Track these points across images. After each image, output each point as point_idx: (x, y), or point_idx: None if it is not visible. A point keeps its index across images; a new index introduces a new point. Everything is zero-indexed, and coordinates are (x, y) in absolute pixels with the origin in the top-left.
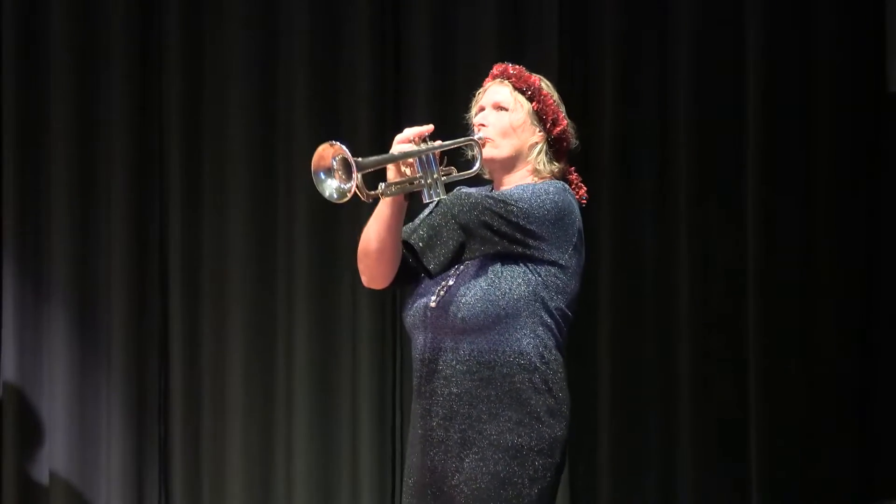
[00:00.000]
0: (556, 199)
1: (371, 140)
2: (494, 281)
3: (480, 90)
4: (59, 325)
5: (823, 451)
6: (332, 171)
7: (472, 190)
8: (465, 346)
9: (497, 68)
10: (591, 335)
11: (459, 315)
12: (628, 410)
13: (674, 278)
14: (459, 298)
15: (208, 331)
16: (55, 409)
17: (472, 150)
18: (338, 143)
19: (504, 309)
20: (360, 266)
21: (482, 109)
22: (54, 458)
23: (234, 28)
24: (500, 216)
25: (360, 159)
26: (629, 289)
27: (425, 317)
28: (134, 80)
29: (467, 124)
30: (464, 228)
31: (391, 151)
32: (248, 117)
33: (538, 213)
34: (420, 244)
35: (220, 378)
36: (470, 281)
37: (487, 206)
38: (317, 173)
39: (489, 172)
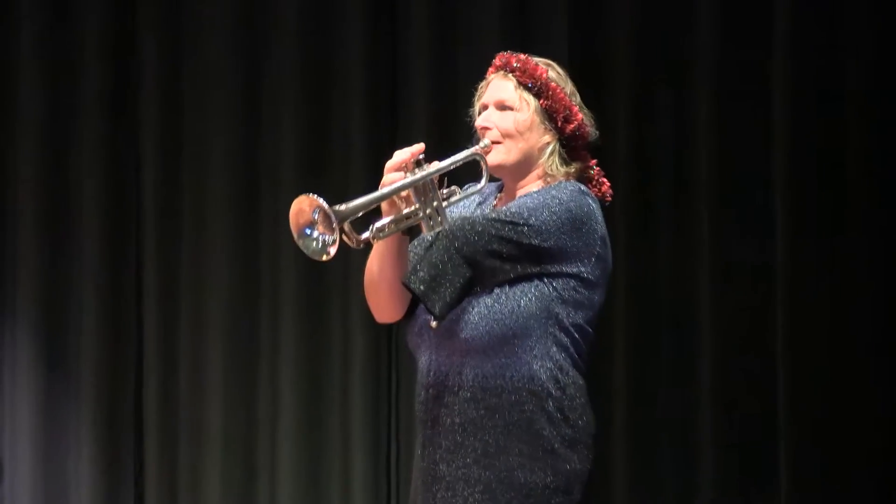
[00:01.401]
0: (571, 205)
1: (365, 154)
2: (501, 296)
3: (483, 83)
4: (25, 349)
5: (856, 475)
6: (315, 224)
7: (475, 192)
8: (468, 370)
9: (500, 59)
10: (605, 354)
11: (462, 335)
12: (645, 435)
13: (694, 290)
14: (462, 316)
15: (186, 356)
16: (19, 442)
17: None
18: (313, 194)
19: (512, 328)
20: (369, 302)
21: (485, 108)
22: (16, 497)
23: (214, 36)
24: (510, 240)
25: (340, 207)
26: (645, 305)
27: (426, 337)
28: (107, 95)
29: (470, 121)
30: (470, 262)
31: (380, 187)
32: (231, 132)
33: (553, 226)
34: (422, 287)
35: (199, 407)
36: (474, 296)
37: (494, 231)
38: (301, 230)
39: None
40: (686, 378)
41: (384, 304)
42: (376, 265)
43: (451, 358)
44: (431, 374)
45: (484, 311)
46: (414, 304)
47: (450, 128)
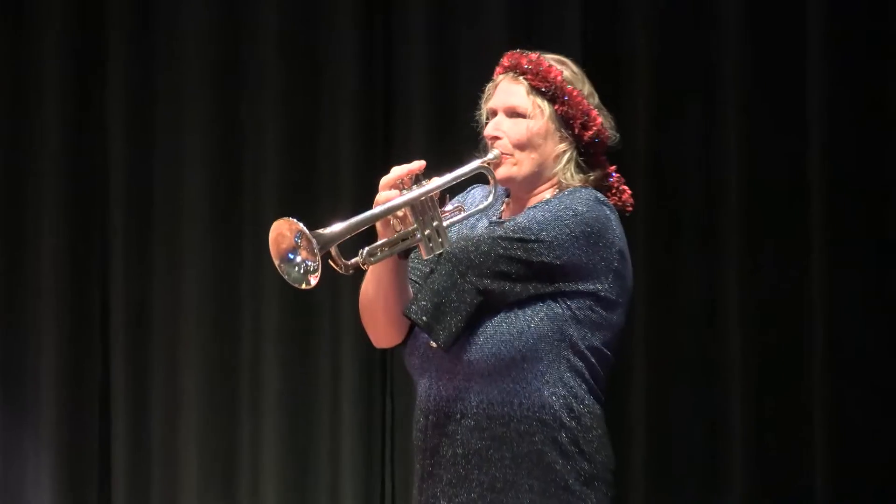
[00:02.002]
0: (587, 216)
1: (356, 164)
2: (510, 315)
3: (490, 85)
4: None
5: None
6: (297, 248)
7: (479, 211)
8: (472, 395)
9: (509, 58)
10: (622, 381)
11: (465, 357)
12: (668, 483)
13: (722, 312)
14: (466, 336)
15: (157, 391)
16: None
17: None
18: (293, 218)
19: (521, 350)
20: (366, 327)
21: (493, 113)
22: None
23: (191, 41)
24: (519, 260)
25: (323, 231)
26: (667, 328)
27: (426, 358)
28: (70, 101)
29: (476, 126)
30: (476, 287)
31: (374, 205)
32: (208, 141)
33: (566, 240)
34: (424, 318)
35: (172, 447)
36: (480, 315)
37: (502, 251)
38: (283, 255)
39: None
40: (713, 410)
41: (382, 330)
42: (372, 289)
43: (454, 382)
44: (432, 399)
45: (490, 331)
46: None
47: (450, 130)
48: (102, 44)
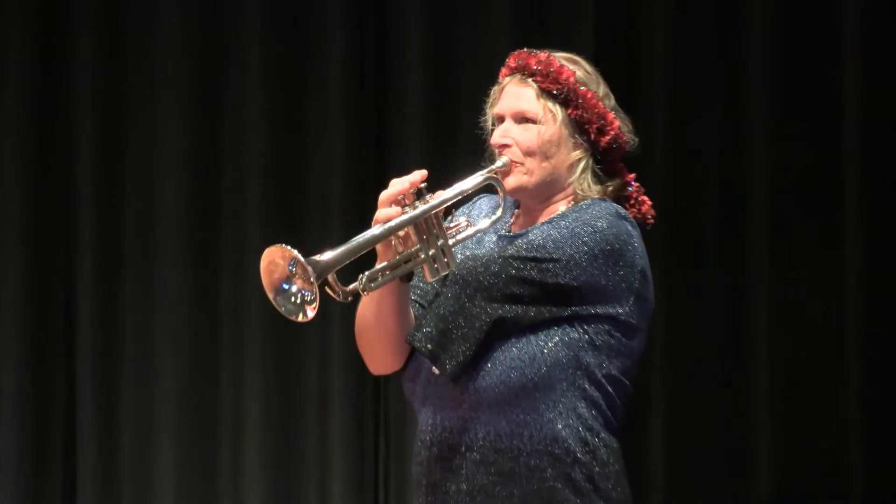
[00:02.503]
0: (606, 233)
1: (347, 177)
2: (521, 340)
3: (497, 87)
4: None
5: None
6: (292, 277)
7: (487, 227)
8: (478, 427)
9: (515, 59)
10: (639, 423)
11: (471, 385)
12: None
13: (746, 333)
14: (473, 362)
15: (128, 423)
16: None
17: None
18: (285, 245)
19: (532, 378)
20: (362, 352)
21: (501, 120)
22: None
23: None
24: (533, 281)
25: (319, 258)
26: (687, 353)
27: (428, 385)
28: (33, 117)
29: (481, 133)
30: (486, 311)
31: (373, 224)
32: (183, 148)
33: (584, 260)
34: (429, 346)
35: (145, 485)
36: (488, 339)
37: (514, 272)
38: (277, 286)
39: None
40: (738, 441)
41: (380, 356)
42: (371, 314)
43: (459, 411)
44: (434, 430)
45: (499, 356)
46: None
47: (449, 138)
48: (68, 42)
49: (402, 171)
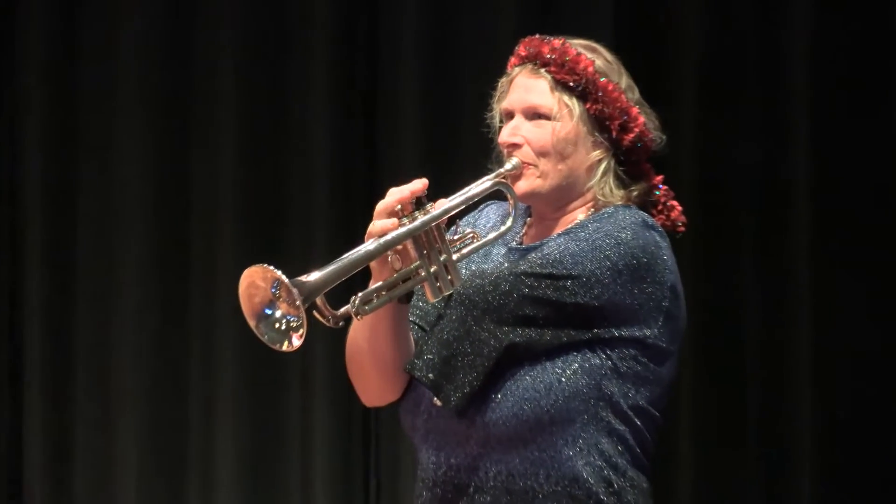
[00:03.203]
0: (632, 246)
1: (335, 185)
2: (536, 367)
3: (504, 79)
4: None
5: None
6: (275, 301)
7: (493, 239)
8: (488, 465)
9: (526, 46)
10: (667, 463)
11: (480, 418)
12: None
13: (788, 353)
14: (481, 392)
15: (83, 455)
16: None
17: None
18: (267, 265)
19: (549, 411)
20: (354, 382)
21: (510, 116)
22: None
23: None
24: (548, 301)
25: (306, 279)
26: (721, 378)
27: (430, 419)
28: None
29: (488, 132)
30: (495, 336)
31: (366, 238)
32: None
33: (607, 276)
34: (431, 375)
35: None
36: (498, 365)
37: (527, 290)
38: (259, 312)
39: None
40: (778, 486)
41: (374, 385)
42: (363, 338)
43: (466, 448)
44: (438, 468)
45: (511, 386)
46: None
47: (449, 136)
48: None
49: (397, 173)
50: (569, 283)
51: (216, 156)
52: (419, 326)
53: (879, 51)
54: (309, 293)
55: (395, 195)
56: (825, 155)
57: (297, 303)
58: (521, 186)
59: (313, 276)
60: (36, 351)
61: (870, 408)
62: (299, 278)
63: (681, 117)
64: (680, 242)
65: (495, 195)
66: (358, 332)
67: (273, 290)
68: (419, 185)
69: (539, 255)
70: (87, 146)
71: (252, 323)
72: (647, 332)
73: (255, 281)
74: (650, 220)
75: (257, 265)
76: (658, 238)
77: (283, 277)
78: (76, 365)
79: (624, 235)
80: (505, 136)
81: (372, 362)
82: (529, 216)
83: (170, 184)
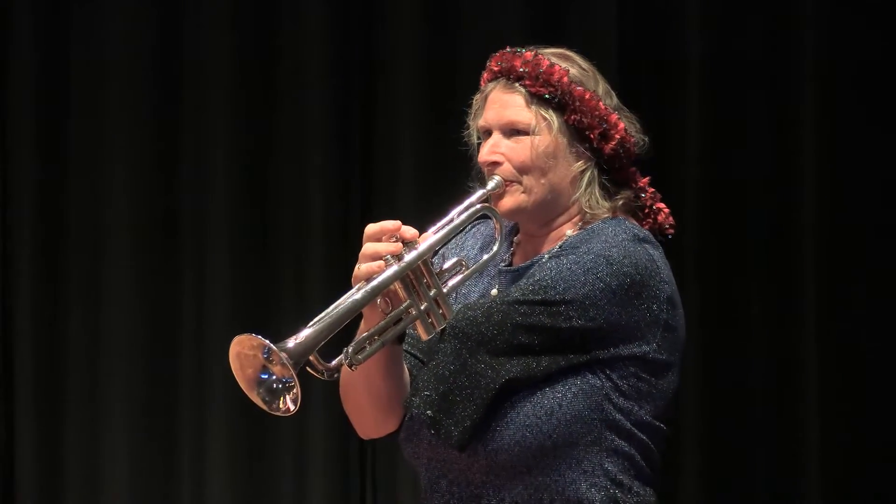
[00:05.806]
0: (625, 265)
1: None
2: (536, 392)
3: (478, 95)
4: None
5: None
6: (268, 365)
7: (481, 266)
8: (492, 493)
9: (497, 61)
10: (672, 482)
11: (482, 447)
12: None
13: (798, 392)
14: (482, 420)
15: (73, 487)
16: None
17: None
18: (252, 333)
19: (551, 436)
20: (350, 415)
21: (487, 133)
22: None
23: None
24: (543, 328)
25: (294, 343)
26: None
27: (431, 447)
28: None
29: (468, 150)
30: (492, 368)
31: (353, 281)
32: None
33: (601, 297)
34: (430, 412)
35: None
36: (498, 393)
37: (520, 319)
38: (253, 379)
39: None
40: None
41: (370, 419)
42: (359, 377)
43: (468, 476)
44: (441, 497)
45: (511, 413)
46: None
47: (445, 153)
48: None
49: (390, 179)
50: (563, 307)
51: (206, 166)
52: (412, 355)
53: (890, 59)
54: (298, 357)
55: (374, 228)
56: (832, 163)
57: (290, 367)
58: (506, 204)
59: (300, 338)
60: (27, 368)
61: (877, 420)
62: (287, 341)
63: (683, 123)
64: (683, 252)
65: (480, 220)
66: (353, 376)
67: (264, 355)
68: (392, 224)
69: (531, 281)
70: (77, 147)
71: (252, 394)
72: (647, 348)
73: (243, 350)
74: (640, 231)
75: (242, 335)
76: (650, 250)
77: (271, 344)
78: (65, 378)
79: (615, 254)
80: (484, 154)
81: (368, 399)
82: (516, 234)
83: (158, 190)
